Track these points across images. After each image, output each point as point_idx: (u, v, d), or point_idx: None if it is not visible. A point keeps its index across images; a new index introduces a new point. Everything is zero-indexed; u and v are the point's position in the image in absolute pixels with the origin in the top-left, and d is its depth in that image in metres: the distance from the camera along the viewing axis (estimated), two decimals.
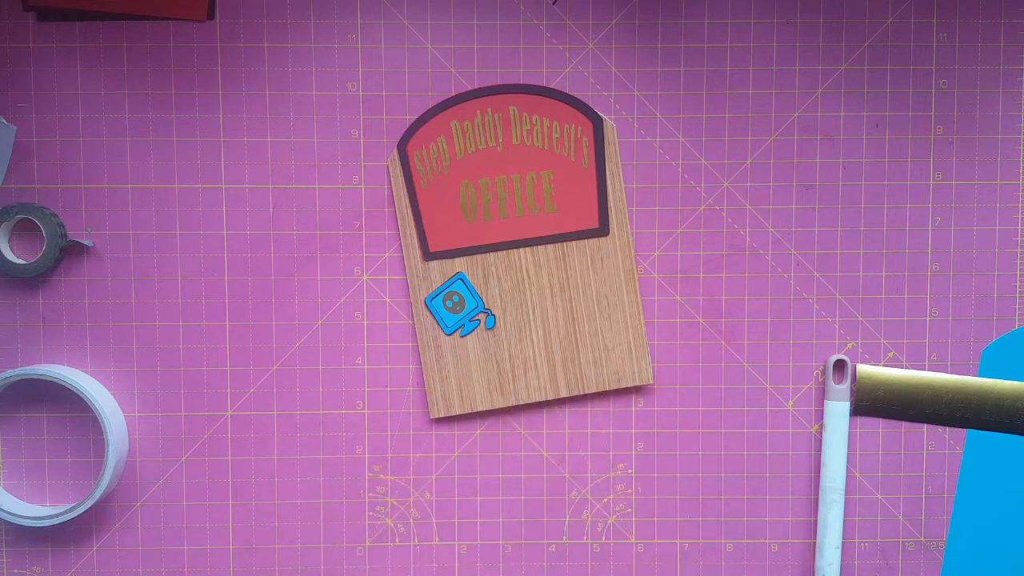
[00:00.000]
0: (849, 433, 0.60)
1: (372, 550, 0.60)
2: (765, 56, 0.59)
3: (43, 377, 0.56)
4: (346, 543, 0.60)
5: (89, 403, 0.56)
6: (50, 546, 0.60)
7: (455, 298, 0.59)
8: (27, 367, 0.57)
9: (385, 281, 0.59)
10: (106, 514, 0.60)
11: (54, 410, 0.59)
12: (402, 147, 0.59)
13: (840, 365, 0.60)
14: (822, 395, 0.60)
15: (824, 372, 0.60)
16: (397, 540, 0.60)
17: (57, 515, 0.57)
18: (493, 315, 0.59)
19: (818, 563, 0.59)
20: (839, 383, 0.59)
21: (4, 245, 0.58)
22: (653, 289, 0.60)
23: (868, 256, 0.60)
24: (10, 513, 0.57)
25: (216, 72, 0.59)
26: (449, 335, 0.59)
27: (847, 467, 0.60)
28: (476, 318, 0.59)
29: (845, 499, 0.60)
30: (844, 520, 0.60)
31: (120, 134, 0.59)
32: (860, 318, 0.60)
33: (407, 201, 0.59)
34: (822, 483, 0.59)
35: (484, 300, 0.59)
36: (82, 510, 0.57)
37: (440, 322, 0.59)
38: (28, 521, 0.57)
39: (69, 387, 0.56)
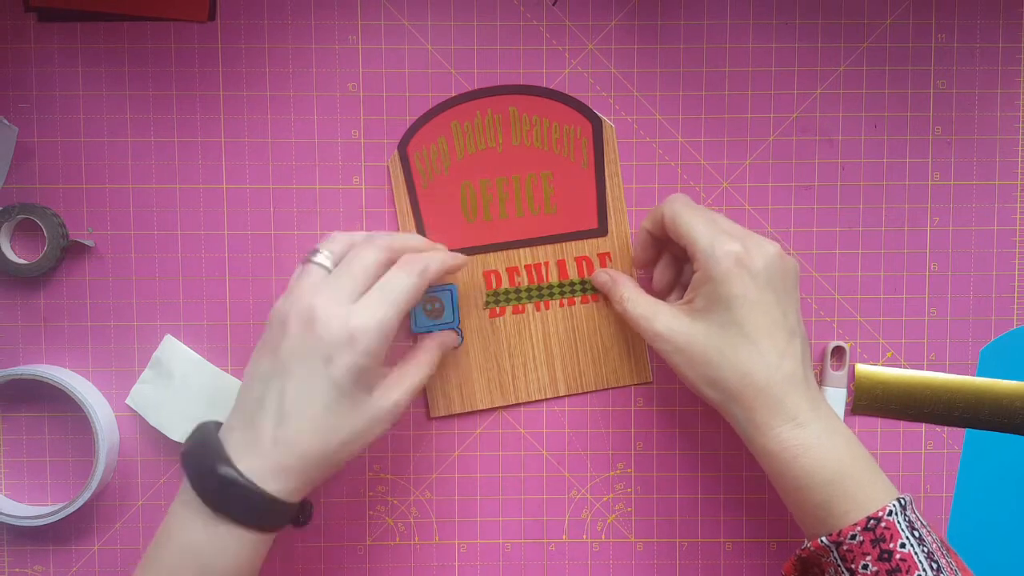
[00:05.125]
0: (845, 419, 0.60)
1: (372, 549, 0.60)
2: (764, 57, 0.60)
3: (22, 376, 0.56)
4: (346, 542, 0.60)
5: (71, 394, 0.56)
6: (51, 545, 0.60)
7: (436, 304, 0.58)
8: (4, 369, 0.58)
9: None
10: (107, 513, 0.60)
11: (54, 410, 0.60)
12: (402, 148, 0.59)
13: (838, 352, 0.60)
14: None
15: (823, 358, 0.60)
16: (397, 539, 0.61)
17: (47, 515, 0.57)
18: (462, 337, 0.59)
19: None
20: (836, 370, 0.60)
21: (6, 245, 0.58)
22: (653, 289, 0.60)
23: (866, 256, 0.60)
24: (3, 514, 0.57)
25: (217, 73, 0.59)
26: (414, 332, 0.58)
27: None
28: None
29: None
30: None
31: (121, 134, 0.59)
32: (859, 318, 0.60)
33: (407, 201, 0.59)
34: None
35: (462, 318, 0.59)
36: (75, 507, 0.57)
37: (412, 317, 0.58)
38: (21, 521, 0.57)
39: (51, 382, 0.56)
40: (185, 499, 0.47)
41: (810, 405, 0.50)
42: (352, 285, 0.49)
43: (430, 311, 0.58)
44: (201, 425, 0.50)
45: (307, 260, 0.51)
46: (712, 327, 0.51)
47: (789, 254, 0.60)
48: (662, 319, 0.53)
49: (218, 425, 0.50)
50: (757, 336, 0.50)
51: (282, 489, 0.47)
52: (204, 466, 0.47)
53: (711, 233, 0.51)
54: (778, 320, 0.50)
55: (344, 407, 0.48)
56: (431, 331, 0.58)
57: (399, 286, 0.49)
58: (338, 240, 0.52)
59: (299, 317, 0.48)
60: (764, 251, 0.51)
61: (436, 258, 0.52)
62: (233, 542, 0.47)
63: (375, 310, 0.48)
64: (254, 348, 0.50)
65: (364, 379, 0.48)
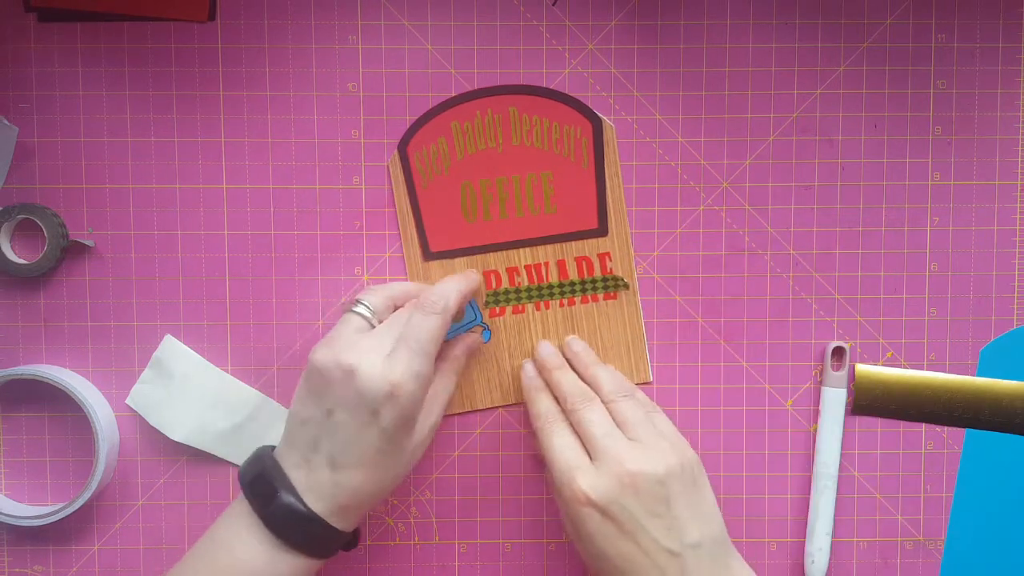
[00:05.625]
0: (845, 419, 0.60)
1: (372, 549, 0.60)
2: (764, 57, 0.60)
3: (22, 376, 0.56)
4: None
5: (71, 394, 0.56)
6: (51, 545, 0.60)
7: None
8: (4, 369, 0.58)
9: (386, 281, 0.59)
10: (107, 513, 0.60)
11: (54, 410, 0.60)
12: (402, 148, 0.59)
13: (838, 352, 0.60)
14: (820, 394, 0.60)
15: (823, 358, 0.60)
16: (397, 539, 0.61)
17: (47, 515, 0.57)
18: (489, 330, 0.59)
19: (808, 548, 0.59)
20: (837, 370, 0.60)
21: (6, 245, 0.58)
22: (652, 289, 0.60)
23: (866, 256, 0.60)
24: (3, 514, 0.57)
25: (217, 73, 0.59)
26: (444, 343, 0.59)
27: (841, 456, 0.60)
28: (473, 331, 0.59)
29: (846, 499, 0.60)
30: (836, 506, 0.60)
31: (121, 134, 0.59)
32: (859, 318, 0.60)
33: (407, 201, 0.59)
34: (815, 468, 0.59)
35: (483, 312, 0.59)
36: (75, 507, 0.57)
37: None
38: (22, 521, 0.57)
39: (51, 383, 0.56)
40: (246, 523, 0.50)
41: None
42: (390, 342, 0.51)
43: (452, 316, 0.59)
44: (260, 452, 0.52)
45: (348, 309, 0.53)
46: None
47: (789, 254, 0.60)
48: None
49: (272, 448, 0.52)
50: (624, 569, 0.49)
51: (341, 523, 0.50)
52: (272, 496, 0.49)
53: (568, 463, 0.51)
54: (632, 551, 0.49)
55: (393, 449, 0.51)
56: (459, 333, 0.59)
57: (424, 333, 0.51)
58: (377, 292, 0.54)
59: (341, 370, 0.50)
60: (610, 473, 0.49)
61: (453, 289, 0.54)
62: (290, 568, 0.50)
63: (409, 363, 0.50)
64: (295, 388, 0.52)
65: (409, 423, 0.51)
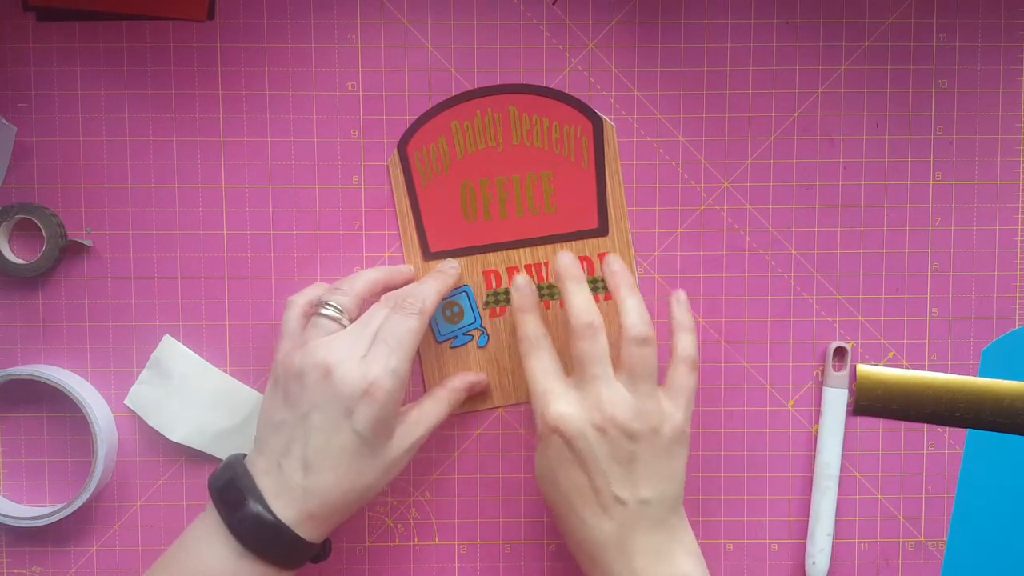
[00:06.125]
0: (846, 420, 0.60)
1: (372, 550, 0.60)
2: (765, 56, 0.59)
3: (21, 376, 0.56)
4: (346, 543, 0.60)
5: (70, 395, 0.56)
6: (50, 546, 0.60)
7: (455, 308, 0.59)
8: (2, 369, 0.57)
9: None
10: (106, 514, 0.60)
11: (53, 411, 0.59)
12: (402, 147, 0.59)
13: (840, 352, 0.60)
14: (821, 394, 0.60)
15: (824, 359, 0.60)
16: (397, 540, 0.60)
17: (46, 515, 0.57)
18: (487, 334, 0.59)
19: (809, 549, 0.59)
20: (838, 370, 0.59)
21: (4, 245, 0.58)
22: (653, 289, 0.60)
23: (868, 256, 0.60)
24: (1, 515, 0.57)
25: (216, 72, 0.59)
26: (439, 343, 0.59)
27: (843, 457, 0.60)
28: (470, 334, 0.59)
29: (848, 499, 0.60)
30: (837, 507, 0.59)
31: (120, 134, 0.59)
32: (860, 318, 0.60)
33: (407, 201, 0.59)
34: (816, 469, 0.59)
35: (483, 314, 0.59)
36: (74, 508, 0.57)
37: (434, 327, 0.59)
38: (20, 522, 0.57)
39: (50, 383, 0.56)
40: (212, 530, 0.49)
41: (627, 567, 0.49)
42: (366, 341, 0.50)
43: (450, 316, 0.59)
44: (231, 459, 0.51)
45: (317, 313, 0.52)
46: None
47: (790, 254, 0.60)
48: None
49: (243, 456, 0.52)
50: (570, 498, 0.51)
51: (310, 532, 0.50)
52: (240, 504, 0.49)
53: (544, 387, 0.52)
54: (583, 484, 0.50)
55: (367, 455, 0.50)
56: (455, 336, 0.59)
57: (403, 332, 0.51)
58: (344, 291, 0.53)
59: (316, 371, 0.49)
60: (580, 415, 0.50)
61: (431, 290, 0.54)
62: None
63: (386, 360, 0.50)
64: (265, 392, 0.52)
65: (384, 426, 0.50)
